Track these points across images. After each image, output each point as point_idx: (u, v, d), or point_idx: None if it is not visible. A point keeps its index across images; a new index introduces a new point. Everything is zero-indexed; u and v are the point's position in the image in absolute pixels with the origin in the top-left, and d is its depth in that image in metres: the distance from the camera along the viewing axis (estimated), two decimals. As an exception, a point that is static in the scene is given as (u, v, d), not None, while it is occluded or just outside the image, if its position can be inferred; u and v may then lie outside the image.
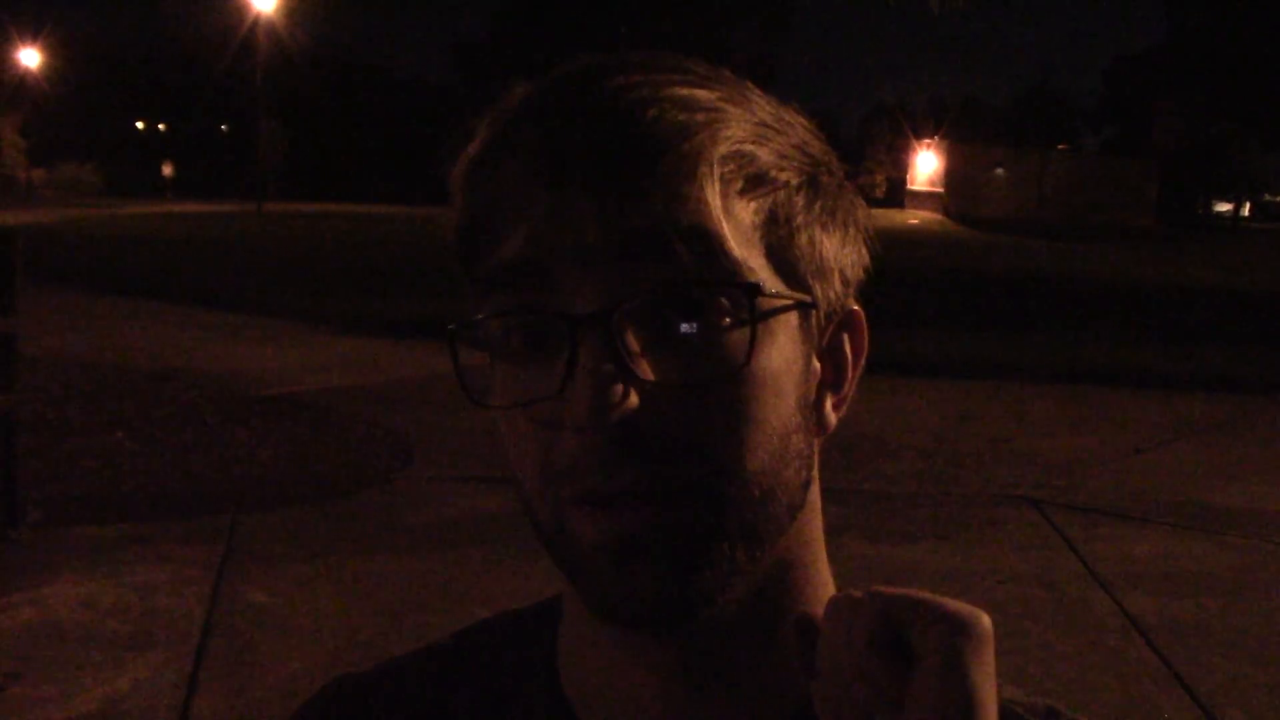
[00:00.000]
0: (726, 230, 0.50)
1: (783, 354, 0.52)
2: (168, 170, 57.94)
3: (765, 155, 0.52)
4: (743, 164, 0.51)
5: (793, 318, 0.53)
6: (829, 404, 0.58)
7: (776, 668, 0.56)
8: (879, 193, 58.97)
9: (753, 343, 0.50)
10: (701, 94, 0.51)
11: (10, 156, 52.66)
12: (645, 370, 0.49)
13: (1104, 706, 3.63)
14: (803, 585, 0.57)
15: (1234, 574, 5.05)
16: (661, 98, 0.50)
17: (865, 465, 6.73)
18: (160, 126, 69.04)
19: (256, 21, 41.80)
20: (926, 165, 61.83)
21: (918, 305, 15.40)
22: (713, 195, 0.49)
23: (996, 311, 15.36)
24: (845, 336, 0.59)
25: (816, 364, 0.56)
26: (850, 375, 0.60)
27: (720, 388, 0.50)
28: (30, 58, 56.56)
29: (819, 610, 0.54)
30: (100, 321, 11.81)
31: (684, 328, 0.49)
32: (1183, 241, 42.96)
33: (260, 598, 4.29)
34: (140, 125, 69.51)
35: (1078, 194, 56.71)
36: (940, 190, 59.01)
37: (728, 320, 0.50)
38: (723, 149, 0.50)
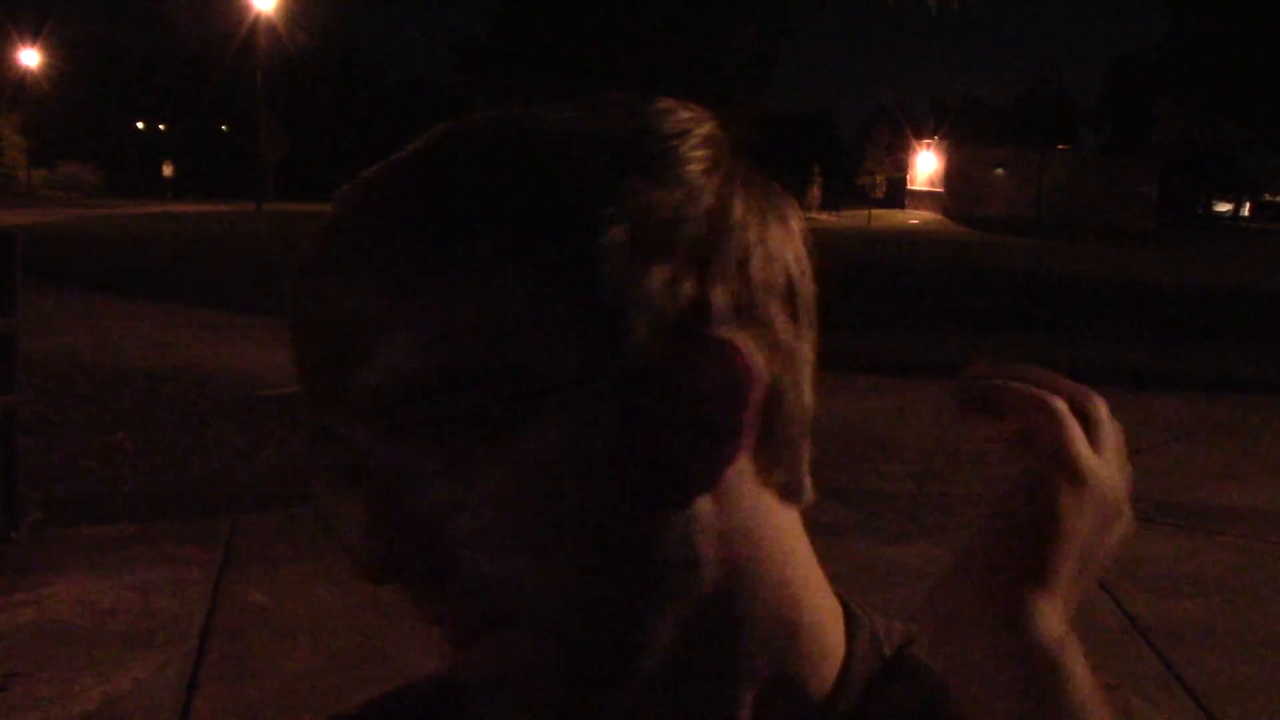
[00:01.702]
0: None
1: (574, 457, 0.47)
2: (168, 170, 57.93)
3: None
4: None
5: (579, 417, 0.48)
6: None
7: (782, 679, 0.51)
8: (879, 193, 58.94)
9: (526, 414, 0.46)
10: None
11: (10, 156, 52.68)
12: (426, 496, 0.47)
13: (1104, 706, 3.63)
14: (764, 590, 0.50)
15: (1234, 574, 5.05)
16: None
17: (865, 465, 6.73)
18: (160, 126, 69.08)
19: (256, 21, 41.82)
20: (926, 165, 61.88)
21: (918, 305, 15.40)
22: None
23: (996, 311, 15.36)
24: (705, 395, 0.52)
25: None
26: (720, 452, 0.50)
27: (497, 510, 0.46)
28: (30, 58, 56.60)
29: (818, 618, 0.52)
30: (100, 321, 11.81)
31: None
32: (1183, 241, 42.96)
33: (260, 598, 4.29)
34: (140, 125, 69.55)
35: (1078, 194, 56.73)
36: (940, 190, 59.05)
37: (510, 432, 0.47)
38: None
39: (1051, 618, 0.45)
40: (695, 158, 0.48)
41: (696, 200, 0.46)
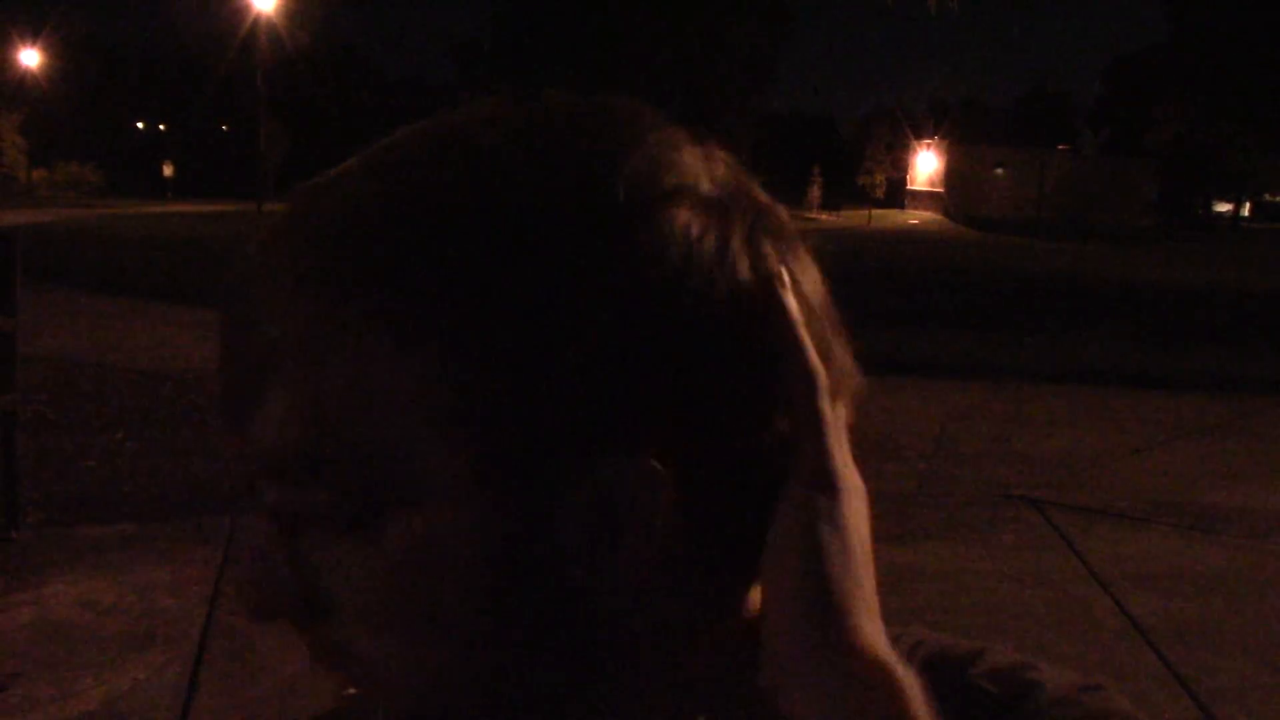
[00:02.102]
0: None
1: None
2: (168, 170, 57.92)
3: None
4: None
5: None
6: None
7: None
8: (879, 193, 58.92)
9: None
10: None
11: (10, 156, 52.67)
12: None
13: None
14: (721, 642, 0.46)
15: (1234, 574, 5.05)
16: None
17: (865, 465, 6.71)
18: (160, 126, 69.07)
19: (256, 21, 41.81)
20: (926, 165, 61.89)
21: (918, 305, 15.40)
22: None
23: (996, 311, 15.36)
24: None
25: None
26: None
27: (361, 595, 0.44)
28: (30, 58, 56.58)
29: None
30: (100, 321, 11.81)
31: None
32: (1183, 241, 42.96)
33: (260, 598, 4.29)
34: (140, 125, 69.54)
35: (1078, 194, 56.76)
36: (940, 190, 59.05)
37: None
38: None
39: (876, 635, 0.42)
40: (693, 229, 0.41)
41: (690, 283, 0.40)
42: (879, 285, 17.88)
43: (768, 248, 0.44)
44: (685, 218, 0.41)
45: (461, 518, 0.39)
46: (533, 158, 0.41)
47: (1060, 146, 66.11)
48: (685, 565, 0.42)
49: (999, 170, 57.90)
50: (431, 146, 0.42)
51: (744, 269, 0.42)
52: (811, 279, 0.47)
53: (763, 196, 0.47)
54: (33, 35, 56.09)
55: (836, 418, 0.46)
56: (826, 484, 0.44)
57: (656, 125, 0.44)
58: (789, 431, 0.43)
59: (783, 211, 0.47)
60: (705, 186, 0.43)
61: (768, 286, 0.43)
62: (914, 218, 55.93)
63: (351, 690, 0.45)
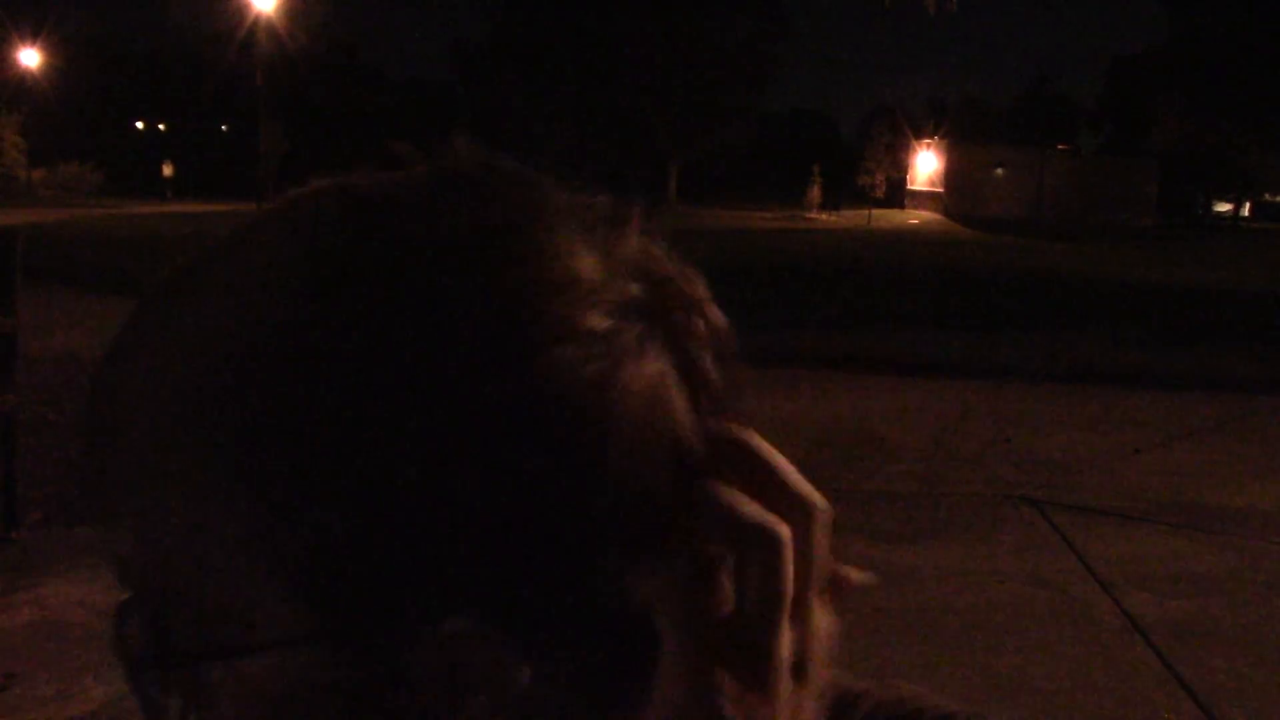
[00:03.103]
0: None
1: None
2: (168, 170, 57.89)
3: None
4: None
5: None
6: None
7: None
8: (879, 193, 58.92)
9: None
10: None
11: (10, 156, 52.65)
12: None
13: (1104, 706, 3.63)
14: None
15: (1234, 574, 5.05)
16: None
17: (865, 465, 6.73)
18: (160, 126, 69.05)
19: (256, 21, 41.81)
20: (926, 165, 61.84)
21: (918, 305, 15.40)
22: None
23: (996, 311, 15.36)
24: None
25: None
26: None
27: None
28: (30, 58, 56.55)
29: None
30: (100, 321, 11.80)
31: None
32: (1183, 241, 42.93)
33: (260, 598, 4.29)
34: (140, 125, 69.52)
35: (1078, 194, 56.74)
36: (940, 190, 59.02)
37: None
38: None
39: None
40: (584, 369, 0.36)
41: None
42: (879, 285, 17.88)
43: (701, 375, 0.39)
44: (571, 356, 0.36)
45: (299, 668, 0.36)
46: (386, 296, 0.36)
47: (1060, 146, 66.07)
48: None
49: (999, 170, 57.87)
50: (281, 262, 0.38)
51: (653, 411, 0.37)
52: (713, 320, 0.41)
53: (694, 293, 0.40)
54: (33, 35, 56.11)
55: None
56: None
57: (552, 224, 0.38)
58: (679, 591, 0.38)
59: (717, 315, 0.41)
60: (595, 320, 0.37)
61: (716, 439, 0.38)
62: (914, 217, 55.91)
63: None
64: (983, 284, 20.01)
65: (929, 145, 61.95)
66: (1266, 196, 71.82)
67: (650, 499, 0.37)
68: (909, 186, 62.91)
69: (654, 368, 0.38)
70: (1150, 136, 61.28)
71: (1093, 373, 10.42)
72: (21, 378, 5.13)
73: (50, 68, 57.19)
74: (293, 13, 46.89)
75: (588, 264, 0.38)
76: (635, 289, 0.38)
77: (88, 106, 60.74)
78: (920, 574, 4.78)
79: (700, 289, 0.40)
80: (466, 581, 0.36)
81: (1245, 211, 69.20)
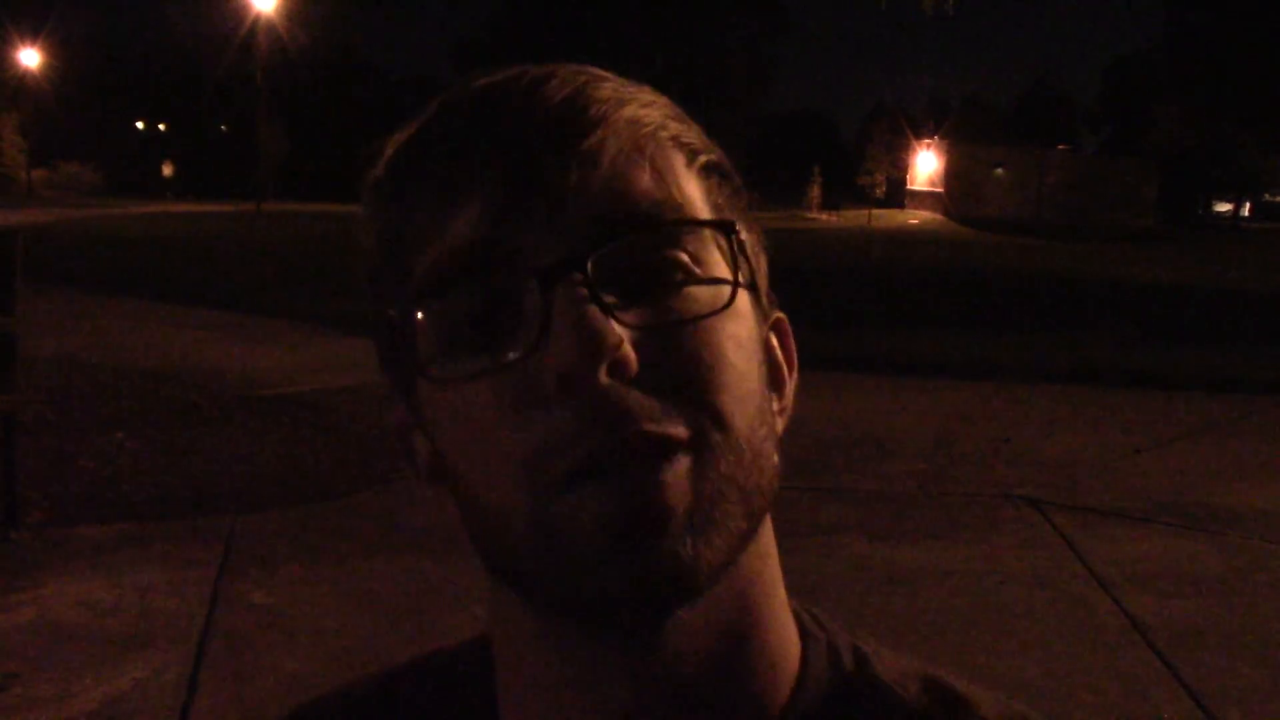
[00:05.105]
0: (691, 193, 0.49)
1: (748, 321, 0.49)
2: (168, 170, 57.99)
3: (696, 139, 0.51)
4: (683, 142, 0.50)
5: (746, 295, 0.49)
6: (775, 405, 0.52)
7: (737, 696, 0.50)
8: (879, 193, 58.92)
9: (736, 272, 0.48)
10: (633, 87, 0.51)
11: (10, 156, 52.67)
12: (625, 318, 0.45)
13: (1104, 706, 3.63)
14: (762, 605, 0.51)
15: (1234, 574, 5.05)
16: (604, 82, 0.49)
17: (865, 465, 6.73)
18: (160, 126, 69.07)
19: (256, 21, 41.80)
20: (926, 165, 61.85)
21: (918, 305, 15.40)
22: (677, 162, 0.49)
23: (996, 311, 15.36)
24: (775, 340, 0.55)
25: (769, 345, 0.53)
26: (788, 380, 0.55)
27: (708, 330, 0.46)
28: (30, 58, 56.56)
29: (778, 635, 0.52)
30: (100, 321, 11.81)
31: (670, 254, 0.47)
32: (1183, 241, 42.96)
33: (260, 598, 4.29)
34: (140, 125, 69.53)
35: (1077, 194, 56.74)
36: (940, 190, 59.02)
37: (698, 271, 0.47)
38: (672, 127, 0.50)
39: None
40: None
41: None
42: (880, 285, 17.87)
43: None
44: None
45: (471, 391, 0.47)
46: None
47: (1060, 146, 66.11)
48: None
49: (998, 170, 57.89)
50: None
51: None
52: None
53: None
54: (33, 35, 56.11)
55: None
56: None
57: None
58: None
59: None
60: None
61: None
62: (914, 217, 55.93)
63: None
64: (983, 284, 20.01)
65: (929, 145, 61.95)
66: (1266, 196, 71.83)
67: None
68: (909, 186, 62.91)
69: None
70: (1150, 137, 61.29)
71: (1093, 373, 10.42)
72: (21, 378, 5.13)
73: (50, 68, 57.18)
74: (292, 13, 46.89)
75: None
76: None
77: (88, 106, 60.71)
78: (920, 574, 4.78)
79: None
80: None
81: (1245, 211, 69.22)
